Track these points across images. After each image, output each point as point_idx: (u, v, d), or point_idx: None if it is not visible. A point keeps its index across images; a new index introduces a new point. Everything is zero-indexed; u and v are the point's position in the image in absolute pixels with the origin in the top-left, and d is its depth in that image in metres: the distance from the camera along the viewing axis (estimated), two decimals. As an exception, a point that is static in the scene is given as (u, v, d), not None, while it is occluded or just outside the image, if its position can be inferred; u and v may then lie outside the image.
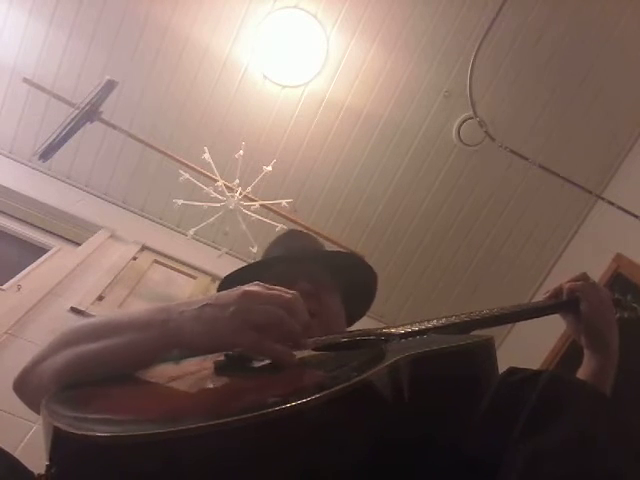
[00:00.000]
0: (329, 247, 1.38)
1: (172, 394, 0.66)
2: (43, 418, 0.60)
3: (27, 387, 0.72)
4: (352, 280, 1.12)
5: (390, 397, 0.60)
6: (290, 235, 1.23)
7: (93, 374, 0.66)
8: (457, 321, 0.88)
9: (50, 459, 0.58)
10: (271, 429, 0.52)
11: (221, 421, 0.51)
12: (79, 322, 0.72)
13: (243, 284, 0.68)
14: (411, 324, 0.84)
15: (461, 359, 0.69)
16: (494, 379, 0.66)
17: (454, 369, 0.67)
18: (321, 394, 0.55)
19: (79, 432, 0.54)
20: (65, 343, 0.69)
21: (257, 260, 1.13)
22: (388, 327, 0.84)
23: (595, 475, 0.51)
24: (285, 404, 0.52)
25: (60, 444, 0.56)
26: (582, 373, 1.01)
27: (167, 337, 0.65)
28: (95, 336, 0.68)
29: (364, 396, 0.58)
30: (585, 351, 1.04)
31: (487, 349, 0.70)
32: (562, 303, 1.05)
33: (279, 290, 0.66)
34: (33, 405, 0.70)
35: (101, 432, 0.52)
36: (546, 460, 0.52)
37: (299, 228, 2.80)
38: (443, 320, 0.87)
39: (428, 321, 0.86)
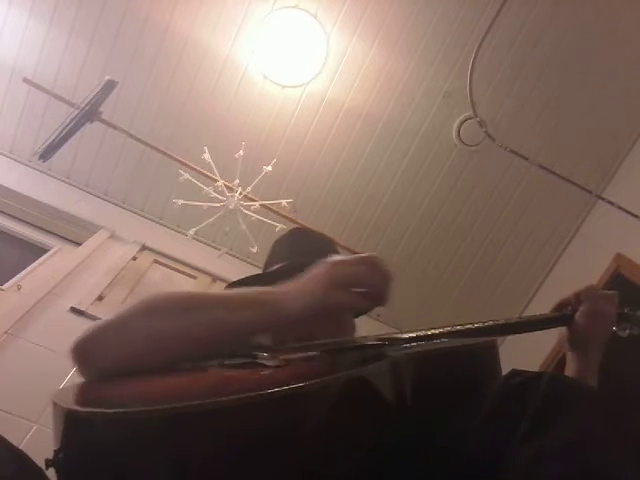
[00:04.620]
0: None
1: (176, 382, 0.68)
2: (54, 407, 0.62)
3: (98, 350, 0.66)
4: None
5: (391, 393, 0.61)
6: (295, 236, 1.21)
7: (202, 345, 0.67)
8: (462, 329, 0.88)
9: (60, 446, 0.59)
10: (262, 411, 0.53)
11: (212, 400, 0.53)
12: (164, 293, 0.72)
13: None
14: (417, 331, 0.85)
15: (463, 359, 0.69)
16: (497, 381, 0.66)
17: (456, 369, 0.67)
18: (317, 380, 0.56)
19: (85, 409, 0.58)
20: (161, 312, 0.67)
21: (260, 273, 1.13)
22: (395, 333, 0.85)
23: (597, 476, 0.51)
24: (281, 387, 0.54)
25: (67, 426, 0.58)
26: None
27: (280, 316, 0.69)
28: (195, 308, 0.68)
29: (362, 387, 0.59)
30: (568, 355, 1.04)
31: (490, 351, 0.70)
32: (568, 316, 1.04)
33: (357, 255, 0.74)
34: (94, 369, 0.66)
35: (106, 409, 0.56)
36: (549, 461, 0.53)
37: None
38: (449, 328, 0.87)
39: (433, 329, 0.86)
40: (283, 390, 0.54)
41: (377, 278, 0.72)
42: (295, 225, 2.75)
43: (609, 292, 1.05)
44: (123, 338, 0.65)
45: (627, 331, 1.06)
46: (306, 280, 0.71)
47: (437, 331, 0.85)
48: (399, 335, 0.82)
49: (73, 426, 0.58)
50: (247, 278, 1.08)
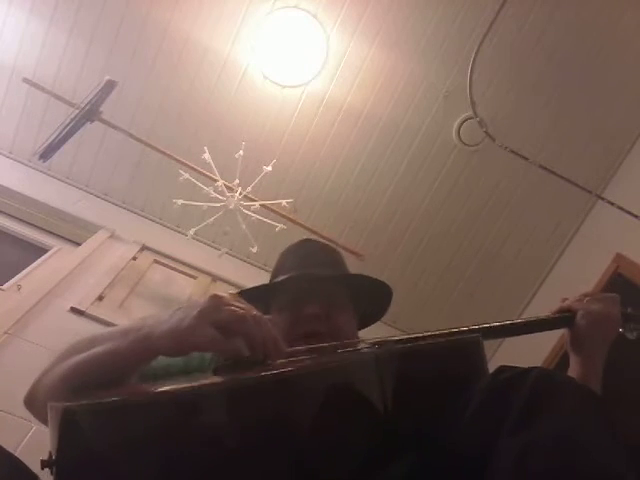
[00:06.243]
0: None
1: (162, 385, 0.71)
2: (50, 411, 0.63)
3: (36, 399, 0.76)
4: (366, 292, 1.09)
5: (377, 388, 0.62)
6: (304, 246, 1.16)
7: (88, 380, 0.70)
8: (461, 330, 0.88)
9: (57, 447, 0.60)
10: (247, 398, 0.56)
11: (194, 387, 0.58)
12: (78, 338, 0.77)
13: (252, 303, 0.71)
14: (409, 334, 0.85)
15: (447, 355, 0.69)
16: (484, 376, 0.66)
17: (441, 364, 0.68)
18: (295, 368, 0.58)
19: (84, 402, 0.60)
20: (65, 355, 0.75)
21: (269, 282, 1.10)
22: (385, 337, 0.85)
23: (582, 470, 0.52)
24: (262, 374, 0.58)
25: (65, 423, 0.59)
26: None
27: (139, 342, 0.68)
28: (89, 346, 0.73)
29: (344, 380, 0.60)
30: (571, 357, 1.05)
31: (474, 346, 0.71)
32: (570, 317, 1.04)
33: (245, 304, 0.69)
34: (43, 416, 0.72)
35: (103, 400, 0.59)
36: (534, 455, 0.53)
37: (299, 228, 2.80)
38: (444, 331, 0.87)
39: (428, 331, 0.86)
40: (263, 376, 0.57)
41: (261, 335, 0.65)
42: (295, 225, 2.75)
43: (610, 294, 1.06)
44: (49, 381, 0.75)
45: (635, 333, 1.07)
46: (180, 310, 0.68)
47: (429, 333, 0.85)
48: (393, 338, 0.82)
49: (67, 422, 0.59)
50: (254, 288, 1.07)
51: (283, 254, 1.15)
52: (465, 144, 3.13)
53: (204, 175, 2.58)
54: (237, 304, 0.67)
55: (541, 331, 1.03)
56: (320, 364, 0.66)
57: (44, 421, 0.71)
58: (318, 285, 1.02)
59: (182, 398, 0.56)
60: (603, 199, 2.91)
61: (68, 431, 0.58)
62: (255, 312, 0.67)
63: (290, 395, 0.57)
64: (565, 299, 1.08)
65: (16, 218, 2.78)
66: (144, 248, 2.84)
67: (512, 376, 0.62)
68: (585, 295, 1.05)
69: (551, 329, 1.05)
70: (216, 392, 0.56)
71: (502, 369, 0.65)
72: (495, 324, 0.96)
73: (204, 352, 0.67)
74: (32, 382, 0.78)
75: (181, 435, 0.54)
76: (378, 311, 1.15)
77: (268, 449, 0.55)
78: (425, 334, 0.84)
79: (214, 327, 0.63)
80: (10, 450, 0.71)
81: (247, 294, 1.04)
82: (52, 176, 3.13)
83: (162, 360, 0.76)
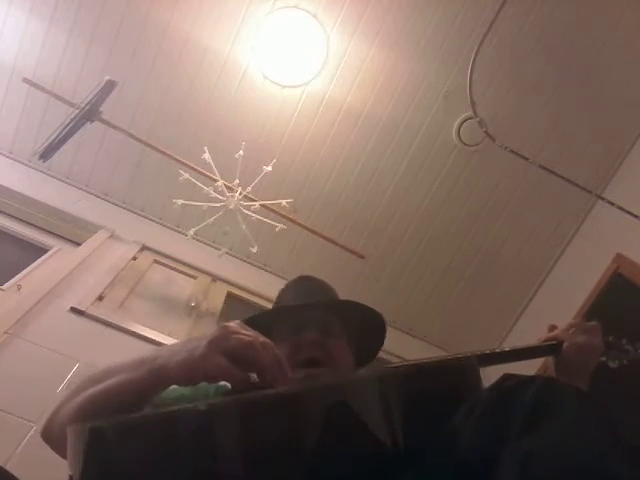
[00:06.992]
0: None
1: None
2: (71, 434, 0.64)
3: (53, 432, 0.78)
4: (361, 323, 1.11)
5: (379, 404, 0.64)
6: (302, 283, 1.20)
7: (105, 409, 0.72)
8: (451, 358, 0.91)
9: (82, 468, 0.60)
10: (259, 412, 0.60)
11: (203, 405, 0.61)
12: (92, 371, 0.79)
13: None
14: (409, 361, 0.88)
15: (445, 374, 0.72)
16: (478, 392, 0.67)
17: (439, 383, 0.70)
18: (299, 386, 0.59)
19: (111, 419, 0.61)
20: (81, 388, 0.76)
21: (268, 309, 1.13)
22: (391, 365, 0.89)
23: (585, 474, 0.52)
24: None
25: (91, 442, 0.59)
26: None
27: (154, 372, 0.71)
28: (103, 378, 0.75)
29: (348, 395, 0.63)
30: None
31: (470, 367, 0.74)
32: (556, 345, 1.09)
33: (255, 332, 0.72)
34: (60, 448, 0.74)
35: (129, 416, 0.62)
36: (539, 461, 0.53)
37: (299, 228, 2.80)
38: (437, 358, 0.91)
39: (425, 358, 0.89)
40: (265, 394, 0.61)
41: (269, 359, 0.68)
42: (295, 225, 2.76)
43: (593, 324, 1.11)
44: (65, 414, 0.77)
45: (617, 361, 1.12)
46: (193, 339, 0.71)
47: (426, 360, 0.88)
48: (392, 366, 0.85)
49: (94, 441, 0.59)
50: (255, 317, 1.08)
51: (282, 290, 1.19)
52: (465, 144, 3.13)
53: (204, 175, 2.58)
54: (244, 332, 0.70)
55: (529, 359, 1.08)
56: (324, 383, 0.68)
57: (62, 453, 0.72)
58: (316, 313, 1.05)
59: (197, 413, 0.59)
60: (603, 199, 2.91)
61: (95, 450, 0.58)
62: (262, 338, 0.71)
63: (294, 412, 0.59)
64: (553, 327, 1.13)
65: (16, 218, 2.78)
66: (144, 248, 2.84)
67: (517, 384, 0.63)
68: (571, 325, 1.11)
69: (539, 357, 1.12)
70: (231, 406, 0.60)
71: (507, 377, 0.65)
72: (486, 352, 1.01)
73: (215, 380, 0.70)
74: (47, 417, 0.79)
75: (202, 449, 0.56)
76: (373, 346, 1.17)
77: (273, 464, 0.57)
78: (424, 361, 0.88)
79: (224, 355, 0.67)
80: (10, 450, 0.71)
81: (250, 323, 1.06)
82: (52, 176, 3.14)
83: (172, 392, 0.78)
